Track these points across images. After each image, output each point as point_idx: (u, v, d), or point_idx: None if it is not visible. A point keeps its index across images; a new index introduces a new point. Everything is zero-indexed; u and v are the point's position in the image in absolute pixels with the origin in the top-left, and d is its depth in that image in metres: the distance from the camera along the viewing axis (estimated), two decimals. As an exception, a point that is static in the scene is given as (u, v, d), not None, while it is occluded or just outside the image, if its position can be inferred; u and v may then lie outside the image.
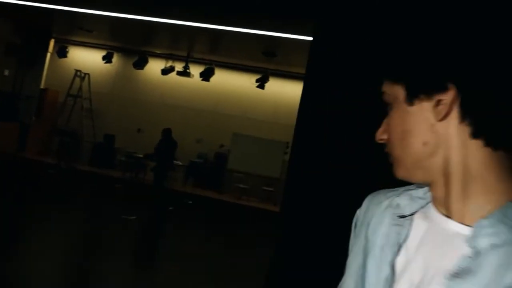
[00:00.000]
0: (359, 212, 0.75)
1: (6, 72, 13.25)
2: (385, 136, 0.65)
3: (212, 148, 12.50)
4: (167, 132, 9.19)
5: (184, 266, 4.90)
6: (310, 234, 1.86)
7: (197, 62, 12.59)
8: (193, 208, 9.56)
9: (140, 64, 12.55)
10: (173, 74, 12.35)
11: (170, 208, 8.59)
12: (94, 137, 13.11)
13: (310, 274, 1.74)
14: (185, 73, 12.14)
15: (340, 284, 0.74)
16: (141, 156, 11.63)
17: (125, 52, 13.39)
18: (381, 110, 0.67)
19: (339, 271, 0.75)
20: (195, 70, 12.37)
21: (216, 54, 12.09)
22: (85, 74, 13.25)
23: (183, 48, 11.94)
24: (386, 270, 0.63)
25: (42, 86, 13.72)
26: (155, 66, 12.83)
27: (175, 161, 10.12)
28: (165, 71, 12.41)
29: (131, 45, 12.92)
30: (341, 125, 1.84)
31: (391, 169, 0.65)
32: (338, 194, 1.73)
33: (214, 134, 12.60)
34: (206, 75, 12.09)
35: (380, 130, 0.66)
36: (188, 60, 12.27)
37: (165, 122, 12.78)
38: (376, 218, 0.69)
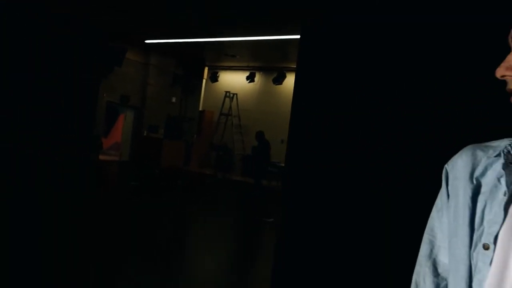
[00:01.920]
0: (451, 165, 0.75)
1: (174, 99, 15.82)
2: (508, 73, 0.65)
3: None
4: (260, 135, 9.62)
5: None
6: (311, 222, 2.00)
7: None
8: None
9: (279, 79, 13.49)
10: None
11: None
12: (244, 150, 14.55)
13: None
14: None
15: (429, 239, 0.76)
16: (283, 165, 12.40)
17: (265, 70, 14.59)
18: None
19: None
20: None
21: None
22: (233, 94, 14.88)
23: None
24: (497, 212, 0.62)
25: (200, 108, 15.91)
26: (292, 81, 13.56)
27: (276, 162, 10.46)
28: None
29: (270, 63, 14.00)
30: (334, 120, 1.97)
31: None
32: (333, 185, 1.86)
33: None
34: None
35: (502, 67, 0.66)
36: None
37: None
38: (483, 163, 0.69)
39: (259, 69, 14.62)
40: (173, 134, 14.90)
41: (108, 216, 6.49)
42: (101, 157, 13.62)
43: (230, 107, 14.69)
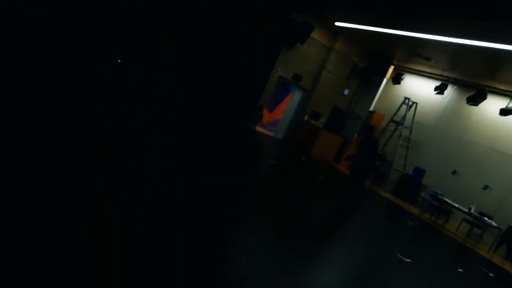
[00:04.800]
0: None
1: (346, 92, 14.78)
2: None
3: (546, 218, 9.49)
4: (369, 130, 8.13)
5: None
6: None
7: (554, 106, 9.90)
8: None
9: (476, 99, 11.04)
10: (515, 116, 10.16)
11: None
12: (404, 167, 12.67)
13: None
14: (532, 117, 9.75)
15: None
16: (447, 200, 10.27)
17: (460, 85, 12.18)
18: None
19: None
20: (548, 116, 9.74)
21: None
22: (413, 102, 12.98)
23: (537, 86, 9.59)
24: None
25: (371, 108, 14.48)
26: (493, 104, 10.98)
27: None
28: (505, 111, 10.38)
29: (470, 77, 11.57)
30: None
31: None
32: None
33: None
34: (562, 125, 9.26)
35: None
36: (540, 102, 9.78)
37: (491, 170, 10.81)
38: None
39: (454, 81, 12.29)
40: (334, 127, 13.95)
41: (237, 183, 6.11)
42: (258, 128, 13.70)
43: (405, 116, 12.89)
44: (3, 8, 6.76)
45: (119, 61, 7.90)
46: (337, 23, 11.99)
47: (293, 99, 14.57)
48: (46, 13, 7.34)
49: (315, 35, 12.91)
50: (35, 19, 7.15)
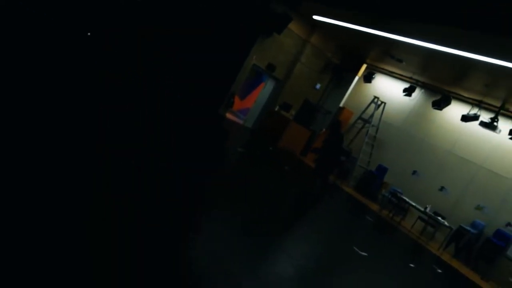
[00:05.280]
0: None
1: (318, 86, 14.93)
2: None
3: (493, 222, 10.06)
4: (336, 126, 8.45)
5: None
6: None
7: (511, 116, 10.43)
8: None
9: (440, 104, 11.45)
10: (475, 123, 10.63)
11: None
12: (368, 164, 13.02)
13: None
14: (490, 125, 10.22)
15: None
16: (405, 198, 10.66)
17: (428, 88, 12.59)
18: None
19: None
20: (505, 125, 10.24)
21: (541, 112, 9.55)
22: (382, 102, 13.31)
23: (497, 96, 10.05)
24: None
25: (341, 105, 14.72)
26: (456, 110, 11.43)
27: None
28: (466, 118, 10.84)
29: (437, 82, 11.97)
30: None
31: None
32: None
33: (504, 208, 10.09)
34: (517, 134, 9.78)
35: None
36: (499, 111, 10.27)
37: (448, 172, 11.29)
38: None
39: (422, 85, 12.68)
40: (303, 120, 14.10)
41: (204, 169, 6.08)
42: (228, 115, 13.64)
43: (373, 115, 13.20)
44: (3, 8, 6.71)
45: (89, 34, 7.68)
46: (315, 17, 12.03)
47: (265, 88, 14.58)
48: (46, 13, 7.32)
49: (293, 26, 12.91)
50: (35, 19, 7.13)
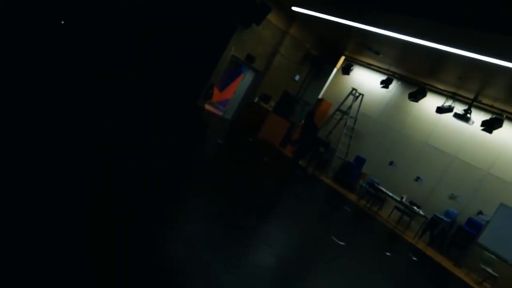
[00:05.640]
0: None
1: (297, 78, 14.98)
2: None
3: (466, 210, 10.39)
4: (309, 116, 8.78)
5: None
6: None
7: (483, 108, 10.73)
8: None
9: (416, 96, 11.68)
10: (450, 115, 10.90)
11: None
12: (346, 155, 13.19)
13: None
14: (464, 117, 10.50)
15: None
16: (382, 188, 10.87)
17: (404, 80, 12.82)
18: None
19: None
20: (478, 117, 10.54)
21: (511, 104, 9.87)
22: (360, 94, 13.47)
23: (471, 88, 10.32)
24: None
25: (320, 96, 14.82)
26: (431, 102, 11.68)
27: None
28: (440, 110, 11.10)
29: (413, 74, 12.20)
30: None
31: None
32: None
33: (476, 197, 10.43)
34: (489, 125, 10.08)
35: None
36: (472, 103, 10.55)
37: (423, 163, 11.56)
38: None
39: (399, 77, 12.89)
40: (283, 111, 14.14)
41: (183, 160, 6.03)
42: (207, 106, 13.55)
43: (351, 106, 13.36)
44: (3, 8, 6.65)
45: (62, 22, 7.54)
46: (294, 8, 12.03)
47: (245, 79, 14.53)
48: (46, 13, 7.27)
49: (272, 17, 12.87)
50: (35, 19, 7.08)
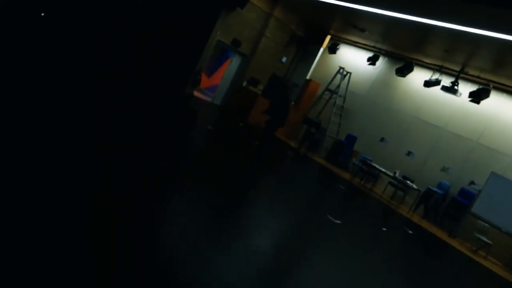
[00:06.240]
0: None
1: (284, 59, 14.89)
2: None
3: (458, 181, 10.55)
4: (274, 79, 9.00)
5: None
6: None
7: (470, 80, 10.79)
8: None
9: (403, 71, 11.70)
10: (437, 88, 10.96)
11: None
12: (337, 134, 13.24)
13: None
14: (451, 89, 10.56)
15: None
16: (375, 165, 10.97)
17: (391, 56, 12.81)
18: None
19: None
20: (465, 89, 10.61)
21: (498, 74, 9.93)
22: (347, 72, 13.45)
23: (457, 61, 10.35)
24: None
25: (308, 77, 14.77)
26: (418, 76, 11.72)
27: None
28: (428, 83, 11.15)
29: (399, 50, 12.19)
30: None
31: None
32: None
33: (467, 167, 10.58)
34: (477, 96, 10.16)
35: None
36: (459, 75, 10.60)
37: (414, 137, 11.66)
38: None
39: (385, 53, 12.88)
40: (271, 94, 14.07)
41: (176, 150, 5.99)
42: (196, 93, 13.43)
43: (339, 85, 13.35)
44: (3, 8, 6.50)
45: (42, 14, 7.43)
46: (277, -11, 11.87)
47: (232, 64, 14.40)
48: (46, 13, 7.14)
49: (256, 0, 12.70)
50: (35, 19, 6.94)
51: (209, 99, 14.57)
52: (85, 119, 5.67)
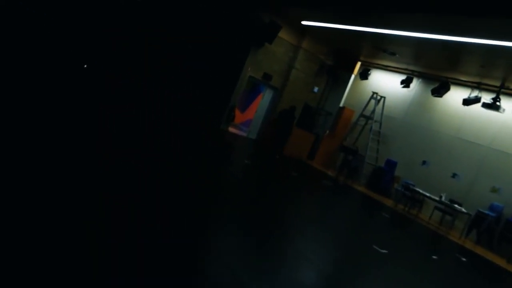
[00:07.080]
0: None
1: (316, 89, 14.95)
2: None
3: (511, 202, 9.91)
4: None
5: None
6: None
7: (513, 94, 10.35)
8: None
9: (440, 91, 11.41)
10: (478, 105, 10.55)
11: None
12: (376, 160, 12.93)
13: None
14: (493, 105, 10.14)
15: None
16: (419, 190, 10.55)
17: (425, 77, 12.56)
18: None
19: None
20: (508, 104, 10.17)
21: (543, 86, 9.46)
22: (381, 97, 13.28)
23: (496, 76, 9.99)
24: None
25: (341, 104, 14.70)
26: (456, 95, 11.37)
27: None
28: (467, 101, 10.78)
29: (433, 70, 11.94)
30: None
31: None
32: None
33: (519, 185, 9.95)
34: (521, 111, 9.68)
35: None
36: (500, 90, 10.19)
37: (457, 158, 11.18)
38: None
39: (419, 74, 12.66)
40: (305, 124, 14.09)
41: (213, 184, 6.06)
42: (231, 129, 13.66)
43: (374, 110, 13.17)
44: (3, 8, 6.76)
45: (29, 10, 7.63)
46: (303, 22, 12.11)
47: (264, 98, 14.61)
48: (46, 13, 7.36)
49: (283, 34, 13.00)
50: (35, 19, 7.16)
51: (244, 134, 14.75)
52: (132, 159, 5.86)
